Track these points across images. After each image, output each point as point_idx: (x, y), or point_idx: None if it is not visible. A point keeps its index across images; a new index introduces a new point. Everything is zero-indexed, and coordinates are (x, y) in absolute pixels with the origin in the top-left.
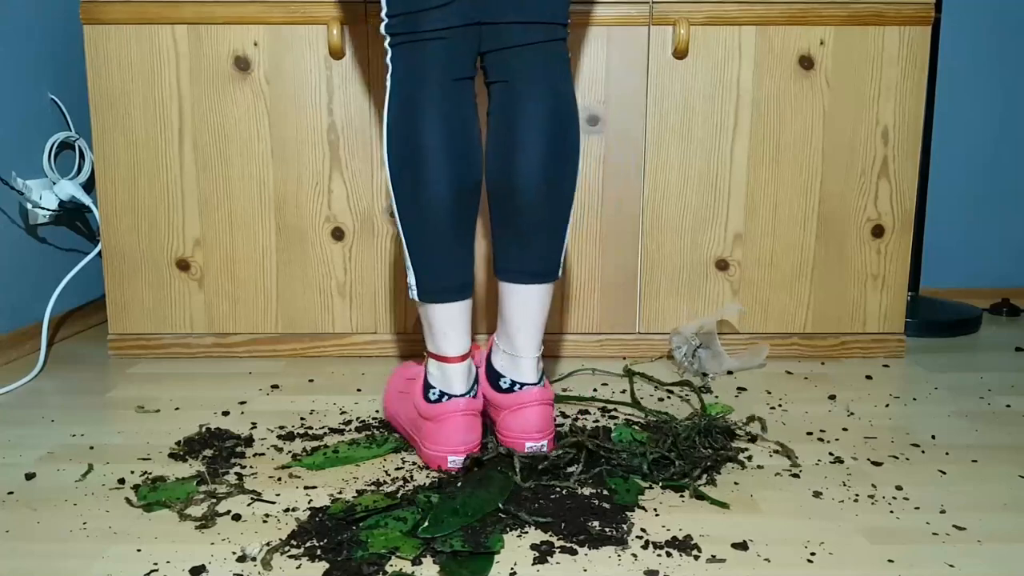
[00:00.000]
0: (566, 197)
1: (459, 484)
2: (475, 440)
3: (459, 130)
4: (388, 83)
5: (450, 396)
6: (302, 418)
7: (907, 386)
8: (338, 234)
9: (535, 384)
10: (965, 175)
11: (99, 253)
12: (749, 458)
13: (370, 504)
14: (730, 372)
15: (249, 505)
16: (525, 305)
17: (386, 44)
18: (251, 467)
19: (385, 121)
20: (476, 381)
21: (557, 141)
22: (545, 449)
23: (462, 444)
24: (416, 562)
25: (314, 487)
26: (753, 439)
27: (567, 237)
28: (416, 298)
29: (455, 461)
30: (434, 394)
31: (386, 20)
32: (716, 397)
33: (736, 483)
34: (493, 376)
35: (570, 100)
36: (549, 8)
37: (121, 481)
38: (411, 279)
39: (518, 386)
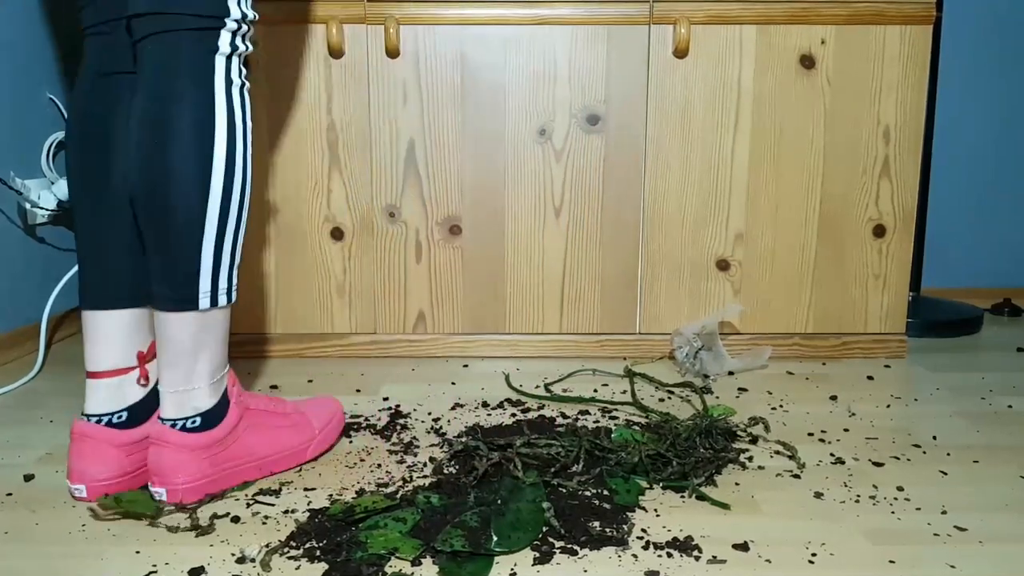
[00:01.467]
0: (176, 212)
1: (471, 493)
2: (91, 471)
3: (94, 129)
4: None
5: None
6: None
7: (908, 386)
8: (337, 234)
9: (164, 421)
10: (966, 174)
11: None
12: (750, 459)
13: (369, 505)
14: (731, 373)
15: (248, 507)
16: (159, 332)
17: None
18: None
19: None
20: (135, 412)
21: (153, 146)
22: (165, 498)
23: (73, 471)
24: (416, 563)
25: (313, 488)
26: (754, 440)
27: (210, 259)
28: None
29: (71, 489)
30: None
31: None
32: (717, 398)
33: (737, 484)
34: None
35: (167, 100)
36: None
37: None
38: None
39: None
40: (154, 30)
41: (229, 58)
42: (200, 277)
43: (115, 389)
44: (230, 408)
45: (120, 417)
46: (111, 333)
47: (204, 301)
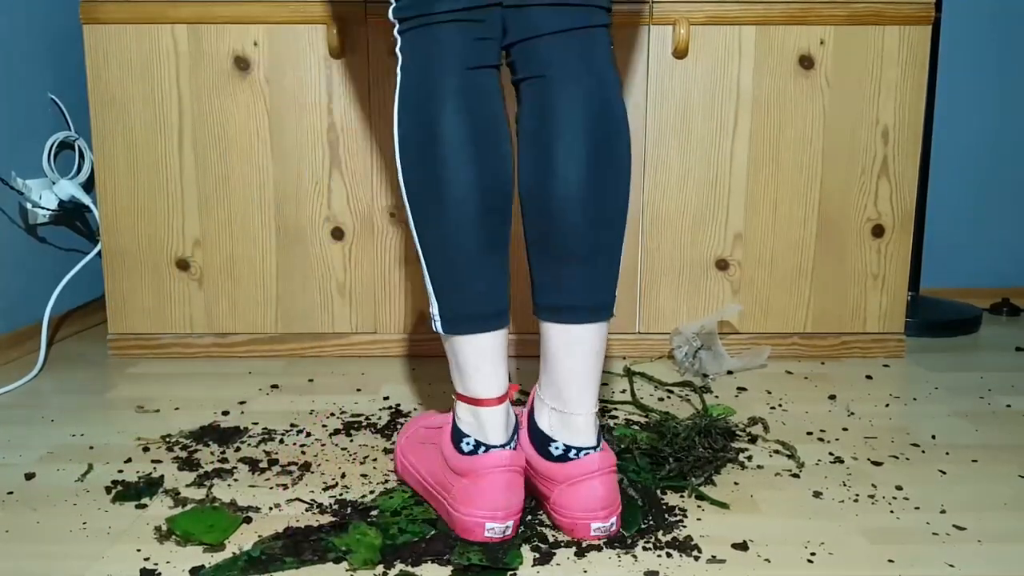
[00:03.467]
0: (617, 213)
1: None
2: (518, 504)
3: (484, 126)
4: (398, 77)
5: (487, 447)
6: (309, 415)
7: (907, 386)
8: (338, 234)
9: (595, 448)
10: (965, 174)
11: (99, 253)
12: (749, 458)
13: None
14: (730, 372)
15: (250, 505)
16: (575, 350)
17: (395, 32)
18: (249, 467)
19: (396, 121)
20: (516, 429)
21: (604, 146)
22: (613, 529)
23: (502, 509)
24: (417, 563)
25: (312, 490)
26: (753, 439)
27: (620, 261)
28: (440, 330)
29: (494, 529)
30: (468, 444)
31: (394, 3)
32: (716, 397)
33: (736, 483)
34: (540, 440)
35: (616, 96)
36: None
37: (120, 482)
38: (433, 308)
39: (574, 452)
40: (584, 23)
41: None
42: (616, 282)
43: (506, 414)
44: None
45: (514, 443)
46: (499, 355)
47: (614, 306)
